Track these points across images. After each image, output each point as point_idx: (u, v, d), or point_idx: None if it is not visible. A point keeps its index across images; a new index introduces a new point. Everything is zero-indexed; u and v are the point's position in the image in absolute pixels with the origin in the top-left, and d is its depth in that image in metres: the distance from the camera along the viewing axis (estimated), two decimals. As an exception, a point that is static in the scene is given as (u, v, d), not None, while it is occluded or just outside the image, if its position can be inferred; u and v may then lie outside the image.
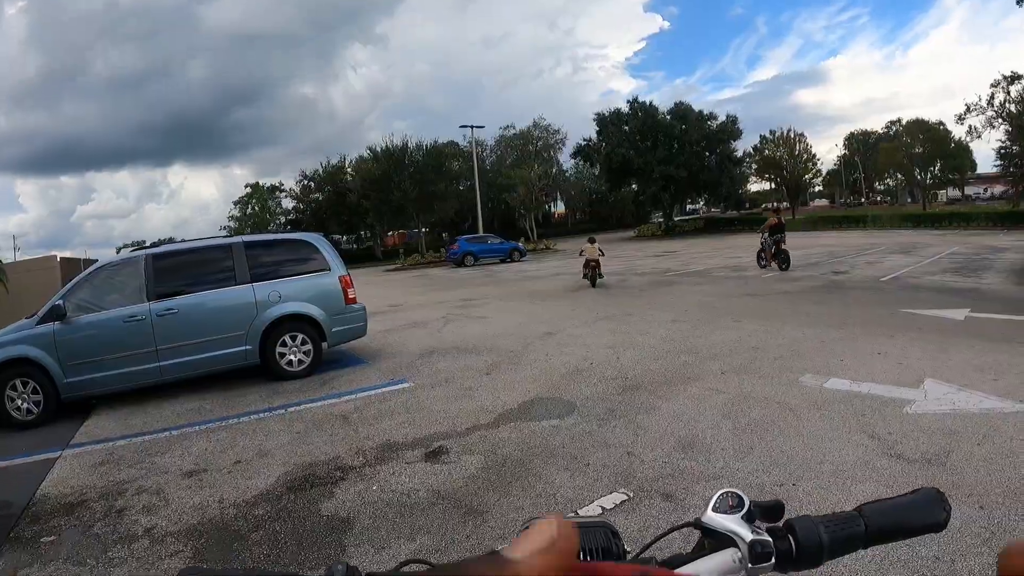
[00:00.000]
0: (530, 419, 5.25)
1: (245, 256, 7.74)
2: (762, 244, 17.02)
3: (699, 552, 0.66)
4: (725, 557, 0.63)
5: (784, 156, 62.28)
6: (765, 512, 0.65)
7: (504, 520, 3.45)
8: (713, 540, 0.65)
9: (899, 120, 66.72)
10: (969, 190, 67.36)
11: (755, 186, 70.49)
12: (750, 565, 0.62)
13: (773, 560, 0.62)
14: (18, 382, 6.75)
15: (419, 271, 32.07)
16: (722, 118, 47.59)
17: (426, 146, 46.66)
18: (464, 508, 3.67)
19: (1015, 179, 43.62)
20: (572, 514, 3.39)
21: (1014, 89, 38.27)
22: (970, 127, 41.52)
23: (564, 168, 61.04)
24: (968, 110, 40.65)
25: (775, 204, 66.42)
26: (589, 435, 4.71)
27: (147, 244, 8.65)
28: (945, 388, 5.14)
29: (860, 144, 72.88)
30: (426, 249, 43.09)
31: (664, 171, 44.30)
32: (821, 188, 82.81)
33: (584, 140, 49.09)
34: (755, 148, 62.78)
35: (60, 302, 6.95)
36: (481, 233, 38.71)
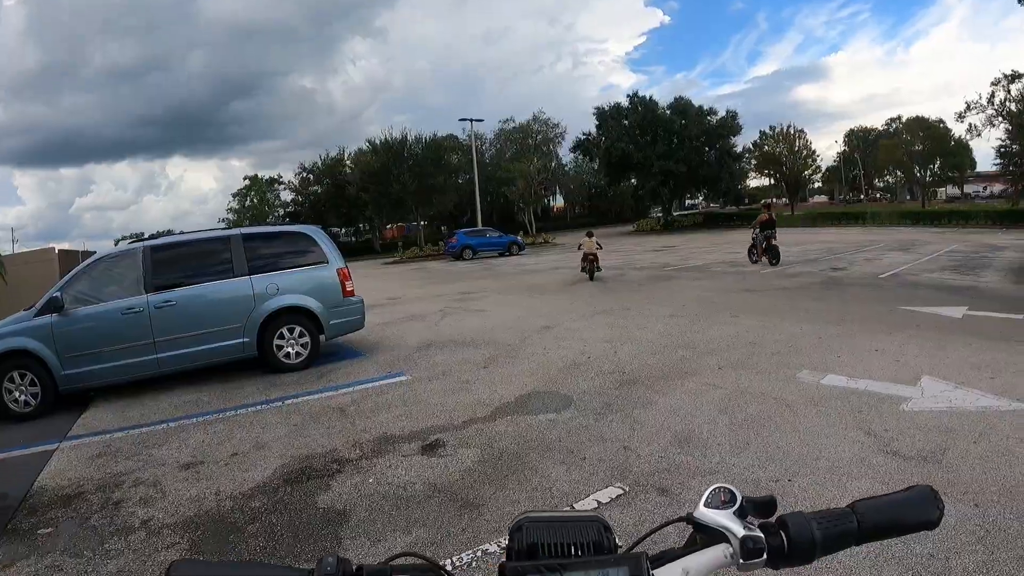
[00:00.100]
0: (527, 413, 5.25)
1: (243, 248, 7.73)
2: (753, 239, 17.21)
3: (691, 547, 0.66)
4: (716, 552, 0.63)
5: (784, 152, 62.20)
6: (757, 508, 0.65)
7: (500, 514, 3.45)
8: (705, 535, 0.65)
9: (899, 117, 66.63)
10: (968, 188, 67.36)
11: (754, 182, 70.42)
12: (742, 561, 0.62)
13: (765, 556, 0.62)
14: (16, 374, 6.75)
15: (417, 264, 32.06)
16: (722, 113, 47.49)
17: (425, 139, 46.65)
18: (460, 501, 3.67)
19: (1014, 178, 43.67)
20: (568, 508, 3.41)
21: (1014, 88, 38.22)
22: (970, 125, 41.45)
23: (563, 162, 61.08)
24: (968, 108, 40.57)
25: (773, 200, 66.43)
26: (586, 429, 4.72)
27: (145, 236, 8.63)
28: (942, 386, 5.15)
29: (860, 141, 72.78)
30: (425, 242, 43.07)
31: (663, 166, 44.22)
32: (820, 184, 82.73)
33: (584, 134, 49.05)
34: (755, 144, 62.63)
35: (58, 294, 6.94)
36: (480, 226, 38.67)
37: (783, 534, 0.63)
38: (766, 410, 4.84)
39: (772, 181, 69.11)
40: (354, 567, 0.61)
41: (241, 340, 7.52)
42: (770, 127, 64.02)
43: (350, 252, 29.07)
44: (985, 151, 54.12)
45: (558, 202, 68.10)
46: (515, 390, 5.96)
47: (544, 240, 41.24)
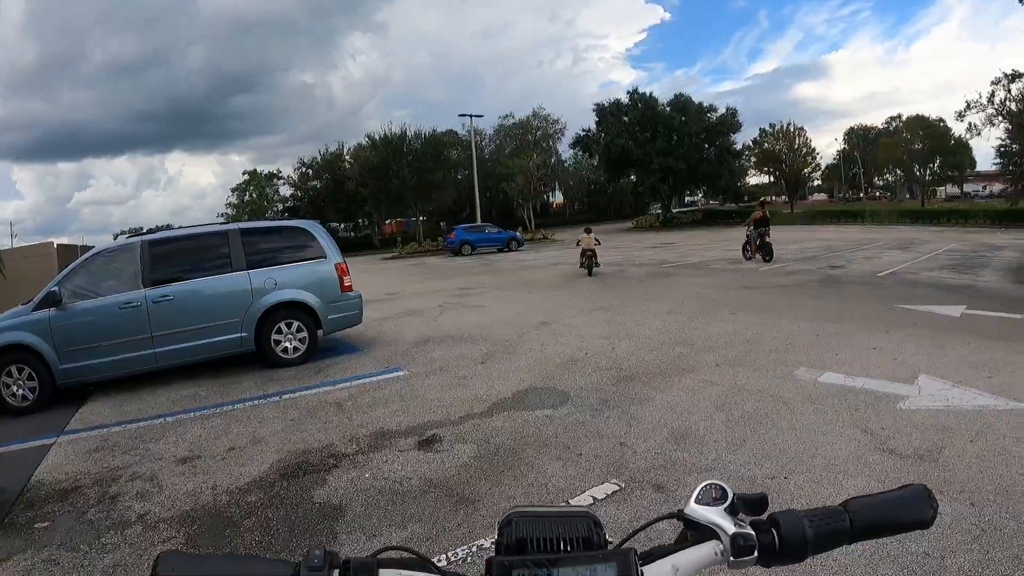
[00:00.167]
0: (524, 408, 5.25)
1: (241, 243, 7.71)
2: (747, 236, 17.48)
3: (681, 544, 0.65)
4: (707, 549, 0.63)
5: (783, 150, 62.13)
6: (749, 505, 0.65)
7: (495, 509, 3.45)
8: (696, 532, 0.65)
9: (899, 116, 66.48)
10: (968, 188, 67.29)
11: (754, 179, 70.36)
12: (732, 558, 0.61)
13: (756, 554, 0.61)
14: (14, 368, 6.74)
15: (416, 260, 32.03)
16: (722, 110, 47.53)
17: (425, 134, 46.52)
18: (456, 496, 3.67)
19: (1014, 177, 43.65)
20: (563, 504, 3.40)
21: (1015, 87, 38.21)
22: (970, 124, 41.43)
23: (563, 158, 60.91)
24: (968, 107, 40.55)
25: (772, 197, 66.37)
26: (582, 425, 4.72)
27: (144, 231, 8.61)
28: (939, 384, 5.15)
29: (860, 139, 72.62)
30: (423, 238, 42.98)
31: (663, 163, 44.21)
32: (820, 182, 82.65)
33: (583, 130, 49.02)
34: (754, 141, 62.52)
35: (56, 288, 6.93)
36: (479, 222, 38.65)
37: (774, 532, 0.62)
38: (763, 407, 4.84)
39: (772, 179, 69.06)
40: (341, 559, 0.61)
41: (239, 335, 7.51)
42: (770, 124, 63.94)
43: (349, 247, 29.02)
44: (985, 150, 54.32)
45: (557, 198, 68.03)
46: (512, 386, 5.96)
47: (543, 236, 41.20)
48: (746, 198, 57.25)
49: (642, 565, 0.61)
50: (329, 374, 7.11)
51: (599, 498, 3.49)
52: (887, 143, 63.45)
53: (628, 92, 48.43)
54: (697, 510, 0.64)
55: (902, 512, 0.65)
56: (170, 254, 7.54)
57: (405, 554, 0.65)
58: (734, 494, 0.65)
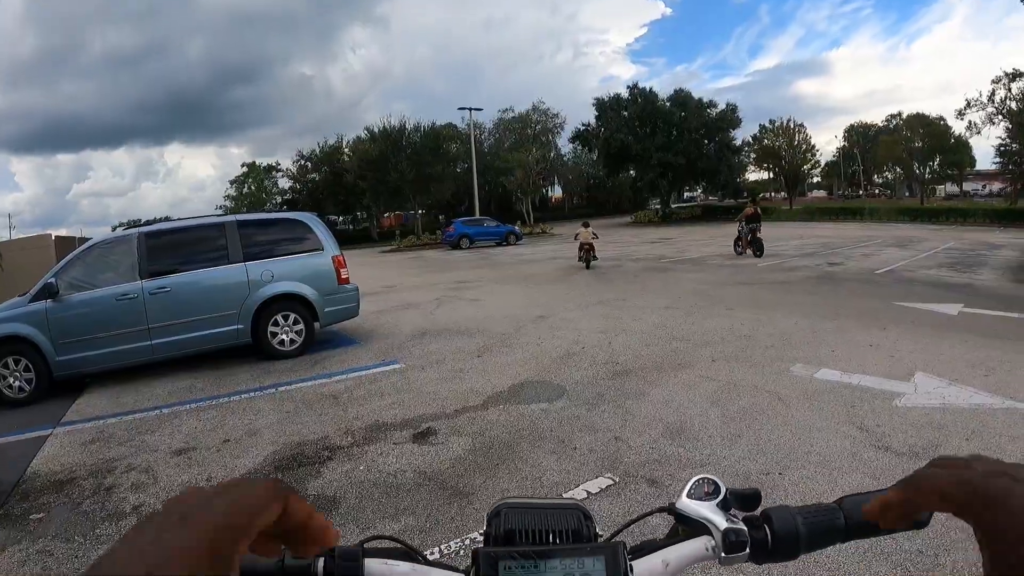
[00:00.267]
0: (519, 402, 5.25)
1: (238, 235, 7.69)
2: (739, 232, 17.88)
3: (673, 538, 0.64)
4: (698, 544, 0.62)
5: (783, 146, 62.12)
6: (741, 500, 0.64)
7: (489, 503, 3.41)
8: (687, 527, 0.64)
9: (899, 114, 66.45)
10: (967, 186, 67.25)
11: (753, 175, 70.40)
12: (723, 554, 0.60)
13: (747, 550, 0.60)
14: (10, 360, 6.72)
15: (415, 253, 32.00)
16: (722, 106, 47.42)
17: (424, 128, 46.41)
18: (450, 490, 3.67)
19: (1014, 177, 43.66)
20: (556, 497, 3.40)
21: (1015, 86, 38.22)
22: (970, 123, 41.51)
23: (562, 152, 60.79)
24: (968, 105, 40.61)
25: (772, 193, 66.37)
26: (577, 419, 4.72)
27: (142, 222, 8.60)
28: (936, 382, 5.16)
29: (860, 136, 72.67)
30: (422, 231, 42.94)
31: (662, 158, 44.15)
32: (819, 179, 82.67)
33: (583, 125, 48.86)
34: (754, 137, 62.54)
35: (53, 280, 6.91)
36: (477, 216, 38.54)
37: (767, 528, 0.61)
38: (759, 403, 4.84)
39: (771, 175, 69.06)
40: (326, 547, 0.60)
41: (235, 327, 7.50)
42: (770, 121, 63.98)
43: (347, 240, 28.98)
44: (985, 149, 54.45)
45: (556, 192, 67.94)
46: (508, 379, 5.96)
47: (542, 230, 41.16)
48: (745, 194, 57.24)
49: (632, 559, 0.60)
50: (325, 366, 7.10)
51: (593, 492, 3.50)
52: (887, 141, 63.41)
53: (628, 87, 48.43)
54: (689, 504, 0.63)
55: None
56: (167, 246, 7.52)
57: (392, 543, 0.64)
58: (727, 489, 0.64)
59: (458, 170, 50.84)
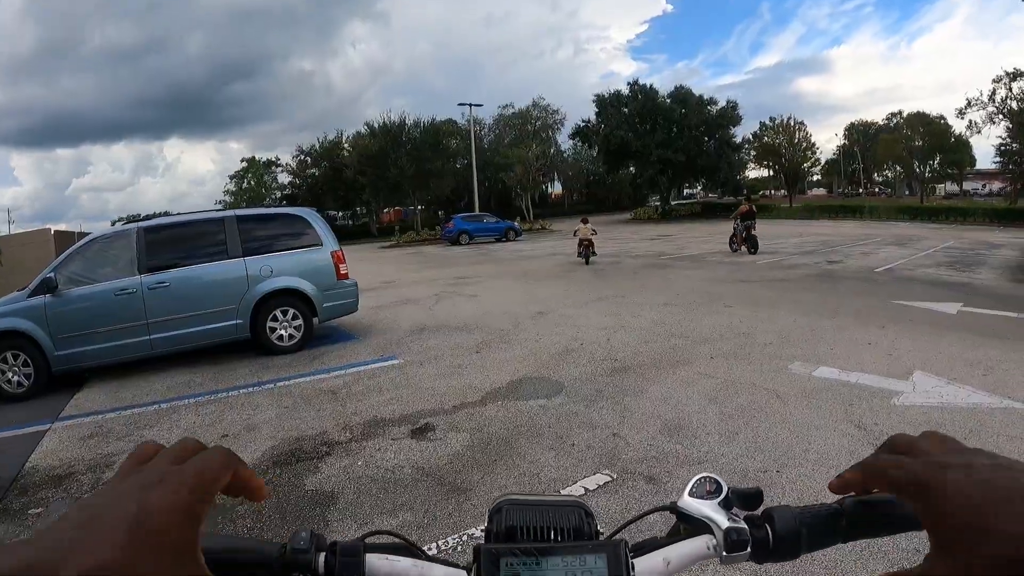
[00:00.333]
0: (518, 398, 5.25)
1: (238, 230, 7.68)
2: (735, 229, 18.14)
3: (674, 537, 0.64)
4: (699, 543, 0.62)
5: (783, 144, 62.15)
6: (743, 499, 0.64)
7: (487, 499, 3.45)
8: (689, 525, 0.64)
9: (900, 112, 66.47)
10: (967, 186, 67.27)
11: (753, 173, 70.41)
12: (724, 553, 0.60)
13: (749, 549, 0.60)
14: (9, 355, 6.71)
15: (414, 248, 31.97)
16: (722, 103, 47.40)
17: (424, 123, 46.32)
18: (448, 486, 3.68)
19: (1013, 176, 43.66)
20: (555, 493, 3.41)
21: (1016, 86, 38.23)
22: (970, 122, 41.55)
23: (562, 149, 60.81)
24: (969, 104, 40.62)
25: (771, 191, 66.36)
26: (576, 415, 4.73)
27: (142, 217, 8.59)
28: (934, 381, 5.16)
29: (860, 134, 72.68)
30: (421, 227, 42.88)
31: (662, 154, 44.13)
32: (819, 177, 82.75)
33: (583, 121, 48.83)
34: (754, 135, 62.63)
35: (51, 274, 6.89)
36: (477, 212, 38.58)
37: (768, 528, 0.61)
38: (757, 401, 4.84)
39: (771, 172, 69.08)
40: (327, 542, 0.60)
41: (234, 322, 7.50)
42: (770, 118, 64.07)
43: (347, 236, 28.95)
44: (985, 149, 54.45)
45: (556, 189, 67.95)
46: (506, 375, 5.96)
47: (541, 226, 41.14)
48: (745, 192, 57.29)
49: (633, 557, 0.60)
50: (324, 362, 7.10)
51: (591, 489, 3.50)
52: (887, 139, 63.42)
53: (628, 83, 48.29)
54: (690, 503, 0.63)
55: (898, 512, 0.64)
56: (166, 241, 7.51)
57: (392, 538, 0.64)
58: (728, 488, 0.64)
59: (458, 166, 50.80)
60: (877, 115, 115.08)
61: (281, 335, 7.66)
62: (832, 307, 8.73)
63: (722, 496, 0.63)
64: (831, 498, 0.64)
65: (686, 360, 6.15)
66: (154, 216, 8.51)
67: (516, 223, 36.08)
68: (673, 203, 52.54)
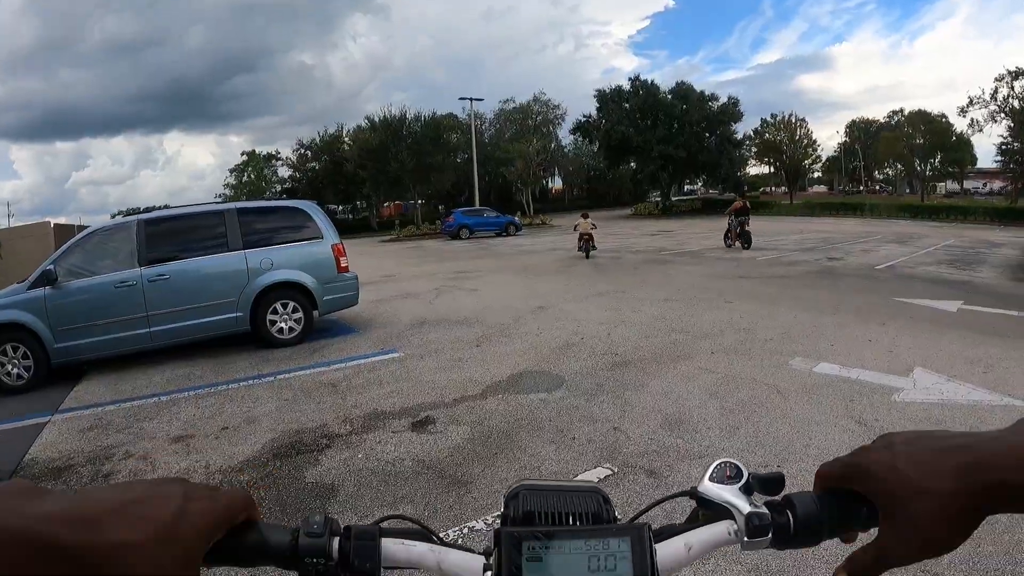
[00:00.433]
0: (518, 392, 5.25)
1: (238, 223, 7.66)
2: (729, 225, 18.42)
3: (693, 523, 0.63)
4: (720, 529, 0.61)
5: (784, 140, 62.07)
6: (764, 485, 0.63)
7: (488, 491, 3.45)
8: (708, 511, 0.63)
9: (901, 110, 66.34)
10: (968, 184, 67.20)
11: (754, 169, 70.37)
12: (746, 539, 0.60)
13: (770, 535, 0.60)
14: (8, 347, 6.68)
15: (414, 243, 31.94)
16: (724, 100, 47.40)
17: (424, 117, 46.23)
18: (448, 478, 3.68)
19: (1014, 175, 43.62)
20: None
21: (1018, 84, 38.16)
22: (972, 120, 41.47)
23: (563, 144, 60.68)
24: (971, 103, 40.58)
25: (772, 188, 66.31)
26: (576, 409, 4.72)
27: (142, 210, 8.56)
28: (934, 378, 5.16)
29: (861, 132, 72.49)
30: (422, 221, 42.86)
31: (663, 150, 44.10)
32: (820, 174, 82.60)
33: (584, 116, 48.79)
34: (755, 131, 62.51)
35: (51, 267, 6.87)
36: (477, 206, 38.47)
37: (790, 514, 0.60)
38: (757, 396, 4.84)
39: (772, 169, 69.01)
40: (342, 527, 0.59)
41: (234, 315, 7.49)
42: (771, 115, 64.02)
43: (347, 229, 28.83)
44: (986, 147, 54.26)
45: (556, 184, 67.85)
46: (507, 369, 5.96)
47: (542, 221, 41.09)
48: (746, 188, 57.22)
49: (654, 542, 0.59)
50: (324, 355, 7.10)
51: (592, 482, 3.49)
52: (888, 137, 63.26)
53: (630, 79, 48.28)
54: (711, 488, 0.62)
55: None
56: (166, 233, 7.49)
57: (406, 523, 0.63)
58: (749, 473, 0.63)
59: (458, 160, 50.70)
60: (878, 113, 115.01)
61: (281, 328, 7.65)
62: (833, 304, 8.72)
63: (743, 481, 0.62)
64: None
65: (687, 355, 6.15)
66: (154, 209, 8.47)
67: (516, 218, 36.01)
68: (674, 199, 52.55)
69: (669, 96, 46.64)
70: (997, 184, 58.04)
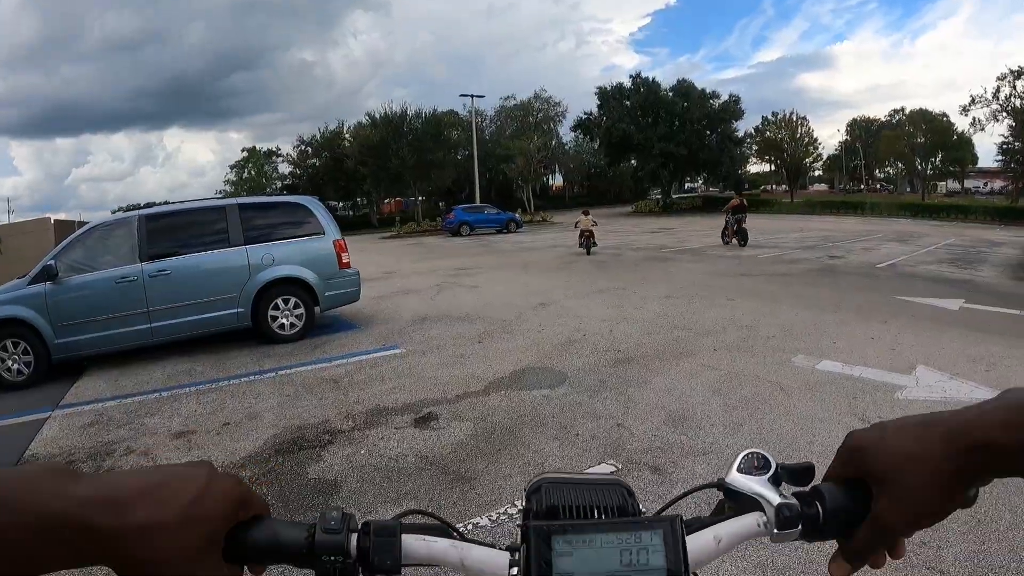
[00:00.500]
0: (521, 388, 5.24)
1: (239, 218, 7.64)
2: (726, 222, 18.67)
3: (720, 515, 0.62)
4: (749, 521, 0.59)
5: (785, 139, 62.01)
6: (793, 475, 0.61)
7: (492, 487, 3.44)
8: (735, 503, 0.61)
9: (902, 109, 66.20)
10: (969, 183, 67.15)
11: (755, 167, 70.30)
12: (776, 531, 0.58)
13: (800, 527, 0.58)
14: (8, 343, 6.67)
15: (414, 239, 31.90)
16: (725, 97, 47.29)
17: (425, 114, 46.15)
18: (452, 475, 3.66)
19: (1015, 175, 43.56)
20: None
21: (1020, 84, 38.09)
22: (974, 119, 41.41)
23: (564, 141, 60.59)
24: (973, 101, 40.50)
25: (772, 185, 66.27)
26: (579, 406, 4.72)
27: (142, 206, 8.52)
28: (937, 376, 5.15)
29: (862, 131, 72.38)
30: (422, 218, 42.82)
31: (664, 148, 44.04)
32: (821, 173, 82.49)
33: (585, 113, 48.69)
34: (756, 129, 62.40)
35: (52, 262, 6.84)
36: (478, 203, 38.43)
37: (819, 504, 0.59)
38: (761, 393, 4.83)
39: (773, 167, 68.95)
40: (360, 523, 0.57)
41: (235, 310, 7.47)
42: (772, 113, 63.92)
43: (347, 226, 28.77)
44: (987, 147, 54.19)
45: (557, 181, 67.75)
46: (509, 365, 5.94)
47: (542, 219, 41.07)
48: (747, 186, 57.15)
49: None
50: (326, 351, 7.08)
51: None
52: (889, 136, 63.16)
53: (631, 76, 48.17)
54: (739, 479, 0.61)
55: None
56: (167, 229, 7.46)
57: (426, 518, 0.62)
58: (777, 464, 0.61)
59: (459, 157, 50.63)
60: (879, 111, 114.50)
61: (282, 324, 7.64)
62: (834, 302, 8.71)
63: (771, 472, 0.61)
64: None
65: (689, 352, 6.14)
66: (151, 205, 8.43)
67: (517, 215, 35.99)
68: (674, 196, 52.47)
69: (670, 94, 46.54)
70: (998, 183, 58.00)
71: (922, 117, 59.81)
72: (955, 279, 11.13)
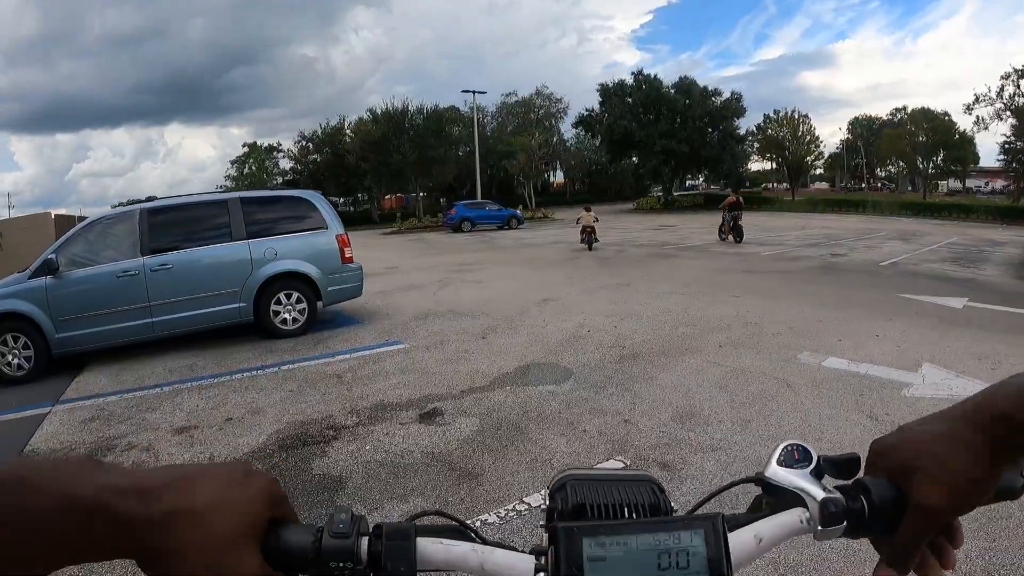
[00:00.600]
0: (526, 384, 5.21)
1: (242, 212, 7.60)
2: (723, 219, 18.81)
3: (757, 512, 0.58)
4: (791, 517, 0.56)
5: (787, 137, 61.94)
6: (836, 467, 0.58)
7: (500, 484, 3.41)
8: (773, 498, 0.58)
9: (904, 108, 66.13)
10: (970, 183, 67.08)
11: (756, 165, 70.21)
12: (820, 528, 0.54)
13: (845, 523, 0.54)
14: (9, 337, 6.62)
15: (416, 235, 31.82)
16: (726, 95, 47.26)
17: (427, 110, 46.02)
18: (458, 471, 3.63)
19: (1017, 175, 43.51)
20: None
21: (1024, 83, 38.04)
22: (977, 118, 41.41)
23: (565, 138, 60.58)
24: (977, 100, 40.48)
25: (773, 184, 66.18)
26: (585, 402, 4.69)
27: (144, 200, 8.48)
28: (943, 373, 5.12)
29: (864, 129, 72.33)
30: (423, 214, 42.73)
31: (665, 145, 43.97)
32: (822, 171, 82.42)
33: (586, 110, 48.63)
34: (758, 127, 62.36)
35: (53, 256, 6.80)
36: (479, 199, 38.37)
37: (863, 499, 0.55)
38: (767, 389, 4.80)
39: (774, 165, 68.88)
40: (371, 525, 0.53)
41: (238, 305, 7.44)
42: (774, 111, 63.85)
43: (348, 222, 28.55)
44: (989, 146, 54.12)
45: (558, 178, 67.75)
46: (514, 361, 5.91)
47: (543, 215, 41.01)
48: (747, 184, 57.08)
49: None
50: (329, 346, 7.05)
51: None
52: (891, 134, 63.09)
53: (632, 73, 48.06)
54: (779, 473, 0.57)
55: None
56: (169, 223, 7.42)
57: (442, 519, 0.58)
58: (819, 456, 0.58)
59: (460, 153, 50.56)
60: (881, 110, 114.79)
61: (285, 319, 7.61)
62: (839, 299, 8.68)
63: (813, 464, 0.57)
64: None
65: (695, 348, 6.10)
66: (151, 200, 8.38)
67: (518, 211, 35.94)
68: (675, 194, 52.38)
69: (672, 91, 46.47)
70: (999, 183, 57.95)
71: (924, 116, 59.76)
72: (958, 278, 11.10)
